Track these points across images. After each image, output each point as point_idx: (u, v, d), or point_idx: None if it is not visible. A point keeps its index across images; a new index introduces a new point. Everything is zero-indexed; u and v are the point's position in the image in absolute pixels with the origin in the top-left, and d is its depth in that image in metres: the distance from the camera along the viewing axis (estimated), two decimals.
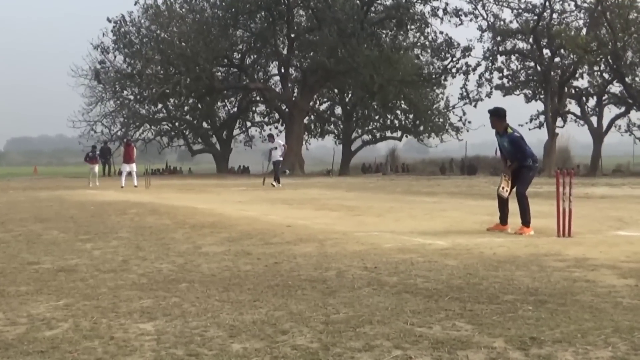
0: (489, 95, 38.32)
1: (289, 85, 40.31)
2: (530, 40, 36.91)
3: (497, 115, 8.77)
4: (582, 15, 36.90)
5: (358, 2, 37.53)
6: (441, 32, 41.64)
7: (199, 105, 42.57)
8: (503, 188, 8.67)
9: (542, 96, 37.32)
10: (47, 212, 12.28)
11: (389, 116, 42.23)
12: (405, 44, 39.35)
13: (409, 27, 38.53)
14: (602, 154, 37.92)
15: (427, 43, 39.56)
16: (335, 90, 43.54)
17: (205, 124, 44.50)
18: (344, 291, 4.90)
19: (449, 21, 38.30)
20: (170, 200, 15.60)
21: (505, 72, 38.54)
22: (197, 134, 44.06)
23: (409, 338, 3.64)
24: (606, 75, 38.62)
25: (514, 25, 37.40)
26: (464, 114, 39.64)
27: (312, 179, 30.84)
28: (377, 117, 42.94)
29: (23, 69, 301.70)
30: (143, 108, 42.15)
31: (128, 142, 26.20)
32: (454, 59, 38.55)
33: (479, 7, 36.95)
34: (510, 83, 38.56)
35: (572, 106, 39.79)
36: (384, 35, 38.85)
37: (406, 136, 42.81)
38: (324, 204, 13.98)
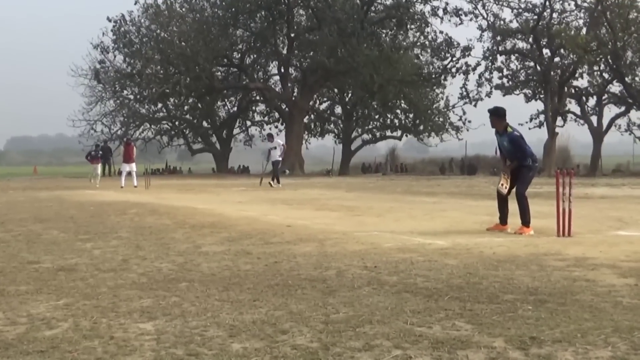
0: (488, 94, 38.38)
1: (289, 84, 40.31)
2: (530, 39, 36.91)
3: (497, 115, 8.77)
4: (582, 15, 36.95)
5: (358, 1, 37.52)
6: (441, 32, 41.68)
7: (199, 105, 42.58)
8: (502, 185, 8.67)
9: (542, 96, 37.32)
10: (46, 212, 12.28)
11: (388, 116, 42.25)
12: (405, 43, 39.35)
13: (409, 26, 38.52)
14: (602, 153, 37.94)
15: (427, 43, 39.58)
16: (335, 90, 43.54)
17: (205, 124, 44.53)
18: (343, 291, 4.90)
19: (449, 21, 38.36)
20: (170, 200, 15.60)
21: (505, 72, 38.57)
22: (197, 134, 44.09)
23: (408, 338, 3.64)
24: (606, 75, 38.63)
25: (514, 24, 37.44)
26: (464, 113, 39.71)
27: (312, 179, 30.85)
28: (377, 117, 42.95)
29: (23, 68, 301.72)
30: (143, 107, 42.16)
31: (128, 142, 26.15)
32: (454, 59, 38.60)
33: (479, 6, 36.99)
34: (510, 83, 38.56)
35: (572, 106, 39.85)
36: (384, 35, 38.85)
37: (406, 135, 42.82)
38: (324, 204, 13.98)
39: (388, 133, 42.92)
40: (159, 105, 41.91)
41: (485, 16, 37.13)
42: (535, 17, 36.05)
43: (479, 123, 36.02)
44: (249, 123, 45.73)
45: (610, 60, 35.88)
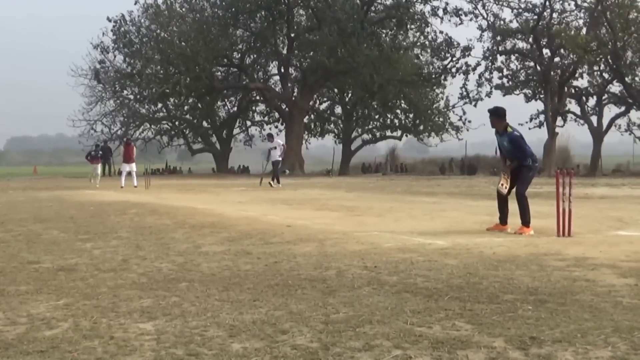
0: (488, 94, 38.38)
1: (289, 84, 40.31)
2: (530, 39, 36.91)
3: (497, 115, 8.77)
4: (582, 15, 36.95)
5: (358, 1, 37.52)
6: (441, 32, 41.69)
7: (199, 105, 42.59)
8: (502, 185, 8.67)
9: (542, 96, 37.32)
10: (46, 212, 12.29)
11: (388, 115, 42.25)
12: (405, 43, 39.35)
13: (409, 26, 38.52)
14: (602, 153, 37.95)
15: (427, 43, 39.58)
16: (335, 90, 43.54)
17: (205, 124, 44.53)
18: (343, 291, 4.90)
19: (449, 21, 38.34)
20: (170, 200, 15.60)
21: (505, 72, 38.57)
22: (197, 134, 44.10)
23: (408, 338, 3.64)
24: (606, 75, 38.63)
25: (514, 24, 37.43)
26: (464, 113, 39.71)
27: (312, 179, 30.85)
28: (377, 117, 42.96)
29: (23, 69, 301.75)
30: (143, 107, 42.17)
31: (128, 142, 26.15)
32: (454, 59, 38.60)
33: (479, 6, 36.99)
34: (510, 83, 38.56)
35: (572, 106, 39.85)
36: (383, 35, 38.86)
37: (406, 135, 42.83)
38: (324, 204, 13.99)
39: (388, 133, 42.93)
40: (159, 105, 41.92)
41: (485, 16, 37.17)
42: (535, 17, 36.05)
43: (479, 123, 36.07)
44: (249, 123, 45.75)
45: (610, 60, 35.88)
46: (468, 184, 24.06)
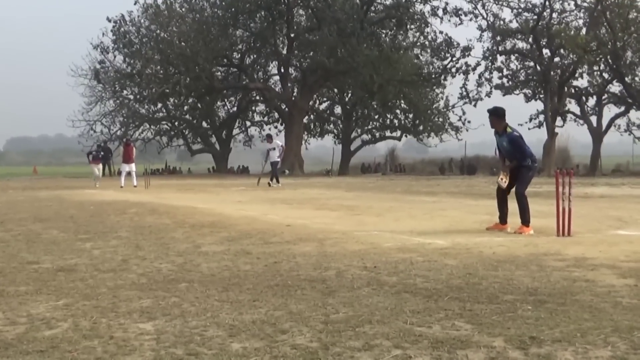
0: (488, 94, 38.40)
1: (289, 84, 40.32)
2: (530, 39, 36.92)
3: (497, 115, 8.76)
4: (581, 15, 36.98)
5: (358, 1, 37.52)
6: (441, 32, 41.83)
7: (199, 105, 42.59)
8: (502, 179, 8.68)
9: (541, 96, 37.34)
10: (46, 212, 12.28)
11: (388, 116, 42.28)
12: (405, 43, 39.36)
13: (408, 26, 38.53)
14: (601, 153, 37.97)
15: (426, 43, 39.59)
16: (335, 90, 43.56)
17: (204, 124, 44.54)
18: (343, 291, 4.89)
19: (449, 21, 38.39)
20: (170, 200, 15.60)
21: (505, 72, 38.61)
22: (197, 134, 44.10)
23: (408, 337, 3.64)
24: (606, 75, 38.66)
25: (514, 24, 37.46)
26: (464, 113, 39.74)
27: (312, 179, 30.84)
28: (376, 117, 42.98)
29: (23, 69, 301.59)
30: (143, 108, 42.19)
31: (127, 142, 26.18)
32: (454, 59, 38.62)
33: (479, 6, 37.01)
34: (510, 83, 38.59)
35: (572, 106, 39.89)
36: (383, 35, 38.86)
37: (406, 136, 42.86)
38: (324, 204, 13.99)
39: (387, 133, 42.94)
40: (159, 105, 41.94)
41: (485, 16, 37.19)
42: (535, 17, 36.06)
43: (479, 123, 36.08)
44: (248, 123, 45.77)
45: (610, 60, 35.90)
46: (468, 184, 24.06)
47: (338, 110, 44.97)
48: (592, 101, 40.19)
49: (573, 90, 38.85)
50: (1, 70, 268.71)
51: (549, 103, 35.86)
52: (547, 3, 35.69)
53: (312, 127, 44.00)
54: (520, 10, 37.04)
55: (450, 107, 40.56)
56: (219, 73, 42.47)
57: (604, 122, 39.10)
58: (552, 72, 36.29)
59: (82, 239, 8.25)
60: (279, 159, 23.44)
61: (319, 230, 8.70)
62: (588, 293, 4.75)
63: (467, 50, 37.72)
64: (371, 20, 37.93)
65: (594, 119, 39.31)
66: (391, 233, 8.45)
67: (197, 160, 54.58)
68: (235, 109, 44.74)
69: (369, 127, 43.20)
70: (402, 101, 40.95)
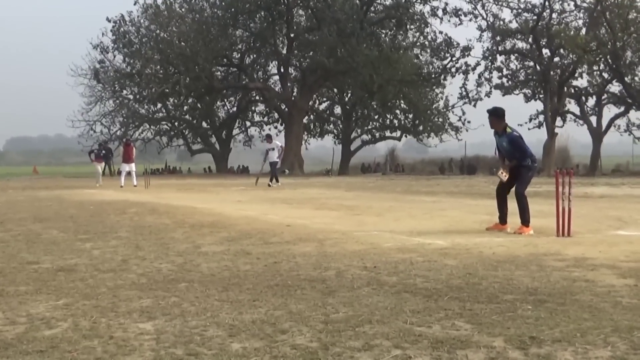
0: (488, 94, 38.43)
1: (289, 84, 40.34)
2: (530, 40, 36.94)
3: (496, 115, 8.76)
4: (581, 15, 36.99)
5: (357, 1, 37.54)
6: (440, 32, 41.78)
7: (199, 105, 42.61)
8: (502, 173, 8.68)
9: (541, 96, 37.35)
10: (46, 212, 12.28)
11: (388, 116, 42.29)
12: (404, 43, 39.38)
13: (408, 26, 38.56)
14: (601, 153, 37.98)
15: (426, 43, 39.61)
16: (335, 90, 43.58)
17: (204, 124, 44.56)
18: (343, 291, 4.89)
19: (449, 21, 38.40)
20: (170, 199, 15.59)
21: (505, 72, 38.64)
22: (197, 134, 44.11)
23: (408, 337, 3.64)
24: (605, 75, 38.67)
25: (514, 25, 37.49)
26: (464, 113, 39.77)
27: (312, 179, 30.84)
28: (376, 117, 43.00)
29: (23, 69, 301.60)
30: (142, 108, 42.20)
31: (127, 142, 26.18)
32: (454, 59, 38.66)
33: (479, 6, 37.03)
34: (510, 83, 38.61)
35: (572, 106, 39.92)
36: (383, 35, 38.88)
37: (405, 136, 42.88)
38: (324, 204, 13.98)
39: (387, 133, 42.95)
40: (159, 105, 41.95)
41: (485, 16, 37.21)
42: (535, 17, 36.07)
43: (479, 123, 36.10)
44: (248, 123, 45.77)
45: (609, 60, 35.91)
46: (468, 184, 24.06)
47: (338, 110, 45.01)
48: (591, 101, 40.25)
49: (573, 90, 38.86)
50: (1, 71, 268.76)
51: (549, 103, 35.87)
52: (546, 3, 35.71)
53: (312, 127, 44.01)
54: (519, 10, 37.08)
55: (450, 107, 40.60)
56: (218, 73, 42.49)
57: (604, 122, 39.14)
58: (551, 72, 36.31)
59: (82, 239, 8.25)
60: (278, 160, 23.44)
61: (319, 230, 8.70)
62: (588, 293, 4.75)
63: (466, 50, 37.77)
64: (371, 20, 37.94)
65: (593, 119, 39.34)
66: (391, 233, 8.45)
67: (197, 160, 54.59)
68: (235, 109, 44.75)
69: (369, 127, 43.21)
70: (402, 101, 40.97)
